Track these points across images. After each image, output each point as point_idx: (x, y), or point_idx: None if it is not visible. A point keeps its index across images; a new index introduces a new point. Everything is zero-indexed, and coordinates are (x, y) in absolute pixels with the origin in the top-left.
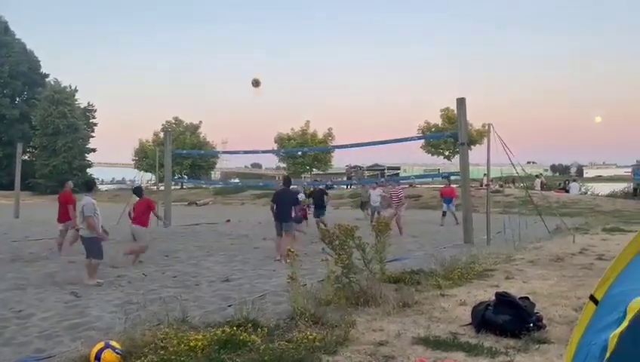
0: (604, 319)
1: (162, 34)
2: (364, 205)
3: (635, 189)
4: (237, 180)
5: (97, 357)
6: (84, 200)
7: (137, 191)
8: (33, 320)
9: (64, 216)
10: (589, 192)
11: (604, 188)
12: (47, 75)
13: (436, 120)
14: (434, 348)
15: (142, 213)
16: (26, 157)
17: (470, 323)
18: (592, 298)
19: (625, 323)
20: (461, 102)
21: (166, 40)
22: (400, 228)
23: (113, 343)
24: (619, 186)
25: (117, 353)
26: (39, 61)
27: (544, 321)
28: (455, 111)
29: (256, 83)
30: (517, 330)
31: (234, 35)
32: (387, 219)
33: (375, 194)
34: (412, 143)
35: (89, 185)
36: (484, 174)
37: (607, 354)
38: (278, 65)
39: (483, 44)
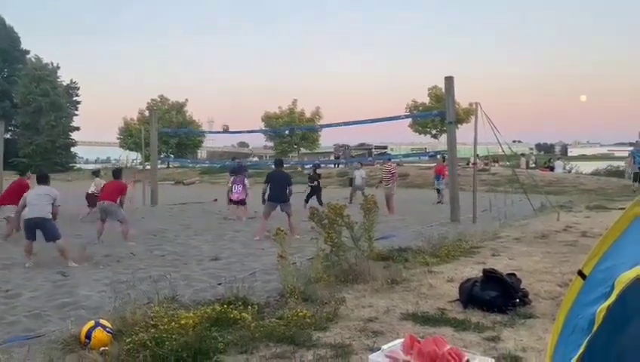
0: (592, 293)
1: (146, 11)
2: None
3: (636, 174)
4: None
5: (88, 335)
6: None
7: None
8: (21, 300)
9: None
10: (573, 171)
11: (588, 167)
12: (27, 52)
13: (424, 98)
14: (422, 324)
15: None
16: (9, 135)
17: (457, 299)
18: (580, 273)
19: (612, 297)
20: (449, 80)
21: (150, 17)
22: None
23: (103, 322)
24: (602, 165)
25: (108, 331)
26: (19, 37)
27: (530, 297)
28: (443, 90)
29: None
30: (504, 306)
31: (221, 13)
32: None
33: (359, 175)
34: (399, 122)
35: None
36: (477, 154)
37: (595, 327)
38: (264, 43)
39: (470, 24)
